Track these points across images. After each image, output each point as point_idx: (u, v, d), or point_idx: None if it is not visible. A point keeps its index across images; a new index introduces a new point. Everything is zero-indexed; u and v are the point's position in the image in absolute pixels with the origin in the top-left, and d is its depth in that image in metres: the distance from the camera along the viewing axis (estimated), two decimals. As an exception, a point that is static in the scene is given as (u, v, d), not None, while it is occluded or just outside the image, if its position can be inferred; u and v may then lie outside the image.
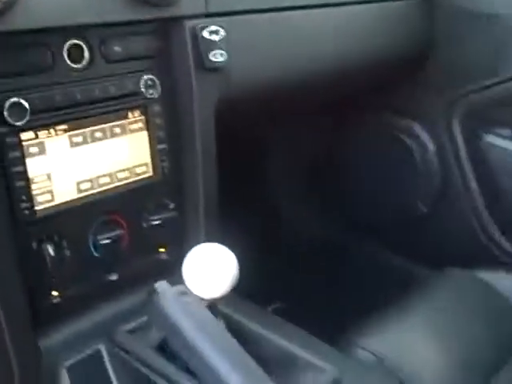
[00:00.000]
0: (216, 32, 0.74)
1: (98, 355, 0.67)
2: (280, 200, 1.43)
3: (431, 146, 1.17)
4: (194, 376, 0.59)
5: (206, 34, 0.74)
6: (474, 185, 1.14)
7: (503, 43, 1.05)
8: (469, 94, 1.11)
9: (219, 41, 0.74)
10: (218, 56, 0.75)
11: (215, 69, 0.76)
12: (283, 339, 0.65)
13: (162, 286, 0.56)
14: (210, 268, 0.58)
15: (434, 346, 0.82)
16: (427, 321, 0.86)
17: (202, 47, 0.74)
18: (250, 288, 0.67)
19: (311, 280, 1.26)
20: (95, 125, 0.69)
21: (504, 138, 1.12)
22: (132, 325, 0.69)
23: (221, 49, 0.75)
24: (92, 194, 0.71)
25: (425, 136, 1.17)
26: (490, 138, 1.13)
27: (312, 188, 1.39)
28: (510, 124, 1.12)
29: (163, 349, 0.64)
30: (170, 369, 0.62)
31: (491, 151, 1.13)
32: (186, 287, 0.56)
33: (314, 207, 1.41)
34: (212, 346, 0.50)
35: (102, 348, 0.67)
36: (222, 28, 0.74)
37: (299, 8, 0.87)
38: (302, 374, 0.57)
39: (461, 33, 1.10)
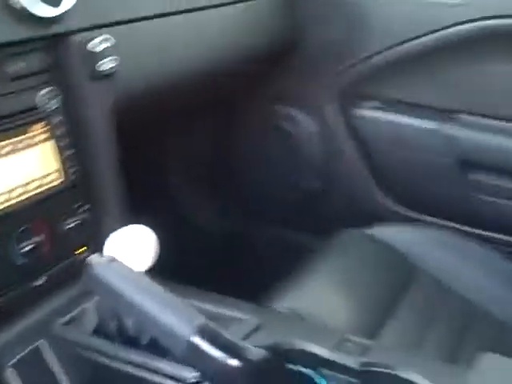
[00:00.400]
0: (102, 42, 0.81)
1: (38, 350, 0.72)
2: (182, 198, 1.50)
3: (312, 128, 1.30)
4: (133, 347, 0.66)
5: (92, 45, 0.81)
6: (355, 156, 1.27)
7: (360, 22, 1.19)
8: (339, 74, 1.24)
9: (106, 50, 0.81)
10: (106, 65, 0.82)
11: (105, 77, 0.83)
12: (207, 303, 0.73)
13: (94, 258, 0.63)
14: (132, 242, 0.65)
15: (338, 296, 0.94)
16: (331, 276, 0.98)
17: (89, 59, 0.81)
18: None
19: (216, 270, 1.33)
20: (1, 141, 0.74)
21: (375, 109, 1.26)
22: (67, 318, 0.75)
23: (109, 58, 0.82)
24: (8, 206, 0.75)
25: (304, 119, 1.30)
26: (364, 112, 1.26)
27: (211, 183, 1.48)
28: (377, 97, 1.25)
29: (99, 332, 0.71)
30: (109, 346, 0.68)
31: (366, 124, 1.27)
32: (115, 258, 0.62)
33: (215, 201, 1.50)
34: (153, 300, 0.57)
35: (42, 343, 0.72)
36: (108, 39, 0.81)
37: (179, 13, 0.95)
38: (225, 327, 0.64)
39: (321, 17, 1.22)
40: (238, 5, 1.08)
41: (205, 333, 0.53)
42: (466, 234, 1.18)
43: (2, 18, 0.69)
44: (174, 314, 0.54)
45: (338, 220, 1.18)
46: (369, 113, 1.25)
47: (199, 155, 1.47)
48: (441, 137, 1.18)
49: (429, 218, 1.24)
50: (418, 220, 1.24)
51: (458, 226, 1.21)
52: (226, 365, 0.52)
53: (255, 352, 0.54)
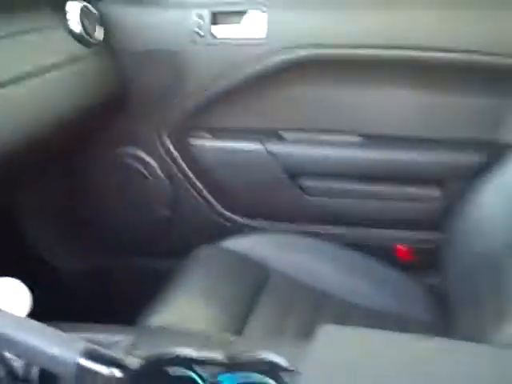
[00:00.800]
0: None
1: None
2: (43, 243, 1.55)
3: (154, 163, 1.43)
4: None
5: None
6: (196, 181, 1.42)
7: (179, 67, 1.34)
8: (168, 113, 1.38)
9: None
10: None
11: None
12: (85, 332, 0.82)
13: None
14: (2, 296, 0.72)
15: (202, 306, 1.07)
16: (194, 289, 1.11)
17: None
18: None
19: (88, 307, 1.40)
20: None
21: (206, 138, 1.41)
22: None
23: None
24: None
25: (147, 156, 1.42)
26: (197, 142, 1.41)
27: (73, 226, 1.55)
28: (207, 127, 1.41)
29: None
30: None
31: (201, 152, 1.41)
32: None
33: (78, 242, 1.57)
34: (37, 334, 0.65)
35: None
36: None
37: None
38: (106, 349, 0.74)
39: (145, 68, 1.36)
40: (66, 68, 1.19)
41: (89, 354, 0.63)
42: (306, 233, 1.36)
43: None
44: (59, 343, 0.63)
45: (193, 240, 1.30)
46: (202, 142, 1.41)
47: (58, 202, 1.54)
48: (265, 154, 1.35)
49: (272, 224, 1.41)
50: (263, 228, 1.40)
51: (296, 227, 1.40)
52: (113, 377, 0.62)
53: (135, 362, 0.65)
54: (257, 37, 1.29)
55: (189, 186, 1.43)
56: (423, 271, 1.30)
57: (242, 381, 0.75)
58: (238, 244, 1.26)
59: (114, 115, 1.38)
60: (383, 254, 1.29)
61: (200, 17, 1.31)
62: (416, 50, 1.22)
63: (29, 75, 1.08)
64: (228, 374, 0.75)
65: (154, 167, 1.43)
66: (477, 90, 1.25)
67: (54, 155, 1.37)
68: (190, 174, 1.42)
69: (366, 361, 0.67)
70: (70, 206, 1.54)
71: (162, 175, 1.43)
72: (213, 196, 1.43)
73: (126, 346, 0.77)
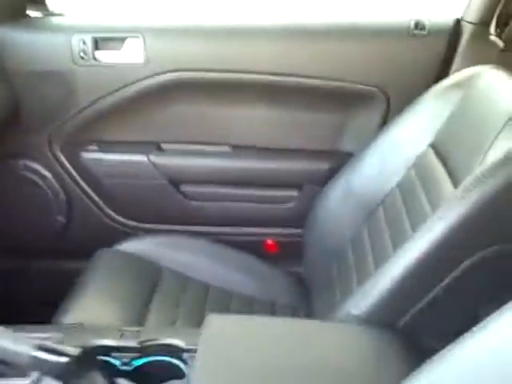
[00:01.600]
0: None
1: None
2: None
3: (48, 175, 1.57)
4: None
5: None
6: (88, 190, 1.58)
7: (67, 85, 1.49)
8: (59, 128, 1.53)
9: None
10: None
11: None
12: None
13: None
14: None
15: (106, 304, 1.26)
16: (97, 289, 1.29)
17: None
18: None
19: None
20: None
21: (96, 151, 1.57)
22: None
23: None
24: None
25: (42, 168, 1.56)
26: (88, 155, 1.57)
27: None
28: (96, 140, 1.57)
29: None
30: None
31: (91, 164, 1.58)
32: None
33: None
34: None
35: None
36: None
37: None
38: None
39: (35, 87, 1.50)
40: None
41: (40, 347, 0.81)
42: (190, 233, 1.56)
43: None
44: (13, 341, 0.80)
45: (91, 243, 1.46)
46: (91, 155, 1.57)
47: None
48: (149, 165, 1.55)
49: (159, 227, 1.60)
50: (152, 230, 1.59)
51: (181, 228, 1.60)
52: (59, 362, 0.80)
53: (75, 351, 0.83)
54: (135, 62, 1.48)
55: (82, 195, 1.59)
56: (289, 261, 1.54)
57: (152, 362, 0.96)
58: (132, 246, 1.44)
59: (9, 130, 1.50)
60: (255, 248, 1.54)
61: (83, 42, 1.47)
62: (266, 75, 1.48)
63: None
64: (141, 359, 0.96)
65: (48, 178, 1.57)
66: (319, 108, 1.53)
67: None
68: (82, 184, 1.58)
69: (247, 340, 0.91)
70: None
71: (56, 185, 1.58)
72: (104, 203, 1.60)
73: (57, 340, 0.95)
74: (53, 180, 1.58)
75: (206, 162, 1.57)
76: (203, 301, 1.34)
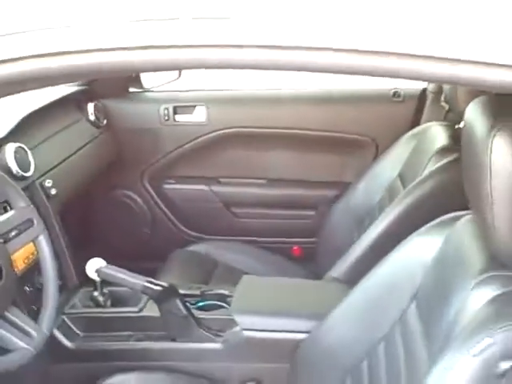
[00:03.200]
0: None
1: None
2: None
3: (139, 200, 2.25)
4: None
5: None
6: (166, 210, 2.26)
7: (156, 143, 2.19)
8: (149, 167, 2.22)
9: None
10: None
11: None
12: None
13: None
14: None
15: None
16: (178, 275, 1.93)
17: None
18: None
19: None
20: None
21: (171, 183, 2.25)
22: None
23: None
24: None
25: (134, 195, 2.25)
26: (168, 185, 2.25)
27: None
28: (171, 176, 2.25)
29: None
30: None
31: (168, 191, 2.25)
32: None
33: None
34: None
35: None
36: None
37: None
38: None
39: (135, 138, 2.20)
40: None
41: (145, 280, 1.44)
42: (238, 241, 2.19)
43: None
44: (128, 275, 1.45)
45: (166, 247, 2.09)
46: (170, 186, 2.25)
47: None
48: (210, 192, 2.22)
49: (216, 237, 2.23)
50: (211, 239, 2.23)
51: (227, 238, 2.22)
52: (158, 289, 1.43)
53: (165, 284, 1.46)
54: (201, 121, 2.17)
55: (162, 214, 2.28)
56: (309, 262, 2.12)
57: (208, 304, 1.57)
58: (198, 248, 2.08)
59: (114, 169, 2.19)
60: (285, 252, 2.16)
61: (166, 109, 2.17)
62: (289, 130, 2.15)
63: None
64: (201, 302, 1.58)
65: (139, 202, 2.26)
66: (328, 152, 2.18)
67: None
68: (162, 206, 2.26)
69: (267, 287, 1.53)
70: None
71: (144, 207, 2.26)
72: (177, 220, 2.29)
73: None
74: (142, 204, 2.26)
75: (249, 190, 2.23)
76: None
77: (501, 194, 0.81)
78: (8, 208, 1.36)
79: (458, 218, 1.09)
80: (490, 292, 0.84)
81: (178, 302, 1.46)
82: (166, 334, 1.48)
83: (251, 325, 1.42)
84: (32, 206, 1.35)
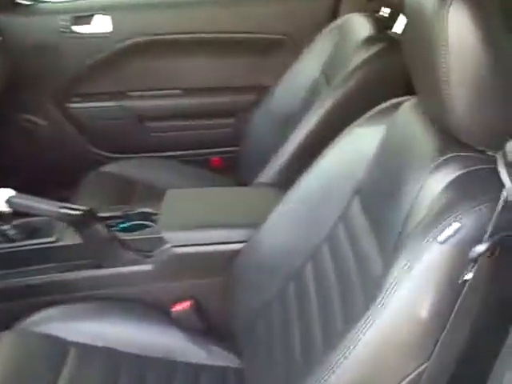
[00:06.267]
0: None
1: None
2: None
3: (43, 123, 2.06)
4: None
5: None
6: (75, 131, 2.08)
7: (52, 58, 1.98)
8: (50, 86, 2.02)
9: None
10: None
11: None
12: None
13: None
14: None
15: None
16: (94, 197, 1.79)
17: None
18: None
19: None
20: None
21: (76, 102, 2.07)
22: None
23: None
24: None
25: (39, 119, 2.05)
26: (73, 104, 2.06)
27: None
28: (75, 93, 2.06)
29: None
30: None
31: (74, 110, 2.07)
32: None
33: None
34: None
35: None
36: None
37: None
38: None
39: (25, 58, 1.98)
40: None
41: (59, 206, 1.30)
42: (155, 157, 2.05)
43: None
44: (41, 201, 1.31)
45: (76, 168, 1.91)
46: (75, 104, 2.07)
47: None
48: (120, 108, 2.05)
49: (130, 155, 2.07)
50: (124, 158, 2.07)
51: (146, 154, 2.08)
52: (75, 214, 1.31)
53: (84, 208, 1.32)
54: (104, 31, 1.98)
55: (70, 136, 2.10)
56: (232, 171, 2.04)
57: (132, 225, 1.46)
58: (113, 168, 1.94)
59: (10, 91, 1.97)
60: (206, 164, 2.06)
61: (64, 20, 1.95)
62: (200, 33, 1.99)
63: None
64: (124, 223, 1.46)
65: (44, 126, 2.07)
66: (244, 55, 2.05)
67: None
68: (70, 128, 2.08)
69: (196, 198, 1.43)
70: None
71: (50, 130, 2.07)
72: (87, 140, 2.12)
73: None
74: (47, 127, 2.07)
75: (163, 102, 2.08)
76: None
77: (459, 71, 0.73)
78: None
79: (398, 106, 1.02)
80: (451, 172, 0.76)
81: (100, 225, 1.34)
82: (91, 261, 1.36)
83: (181, 240, 1.33)
84: None
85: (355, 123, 1.11)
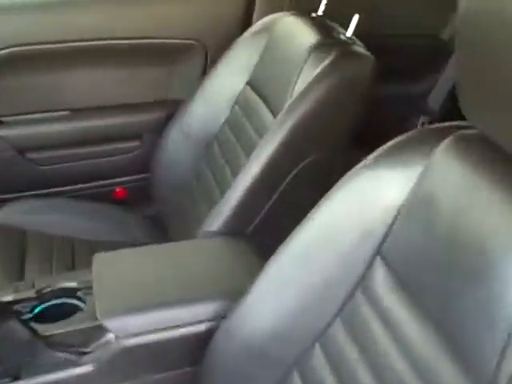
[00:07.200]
0: None
1: None
2: None
3: None
4: None
5: None
6: None
7: None
8: None
9: None
10: None
11: None
12: None
13: None
14: None
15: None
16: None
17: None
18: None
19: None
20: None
21: None
22: None
23: None
24: None
25: None
26: None
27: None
28: None
29: None
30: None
31: None
32: None
33: None
34: None
35: None
36: None
37: None
38: None
39: None
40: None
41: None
42: (44, 196, 1.66)
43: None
44: None
45: None
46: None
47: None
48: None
49: (13, 195, 1.66)
50: (5, 199, 1.65)
51: (32, 193, 1.68)
52: None
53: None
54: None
55: None
56: (141, 205, 1.72)
57: (52, 306, 1.10)
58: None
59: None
60: (106, 198, 1.70)
61: None
62: (89, 41, 1.59)
63: None
64: (41, 306, 1.10)
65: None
66: (147, 64, 1.70)
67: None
68: None
69: (133, 266, 1.10)
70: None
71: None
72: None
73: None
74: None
75: (46, 128, 1.67)
76: (72, 253, 1.47)
77: None
78: None
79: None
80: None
81: (13, 321, 0.97)
82: (4, 371, 0.98)
83: (130, 328, 0.99)
84: None
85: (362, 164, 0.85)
